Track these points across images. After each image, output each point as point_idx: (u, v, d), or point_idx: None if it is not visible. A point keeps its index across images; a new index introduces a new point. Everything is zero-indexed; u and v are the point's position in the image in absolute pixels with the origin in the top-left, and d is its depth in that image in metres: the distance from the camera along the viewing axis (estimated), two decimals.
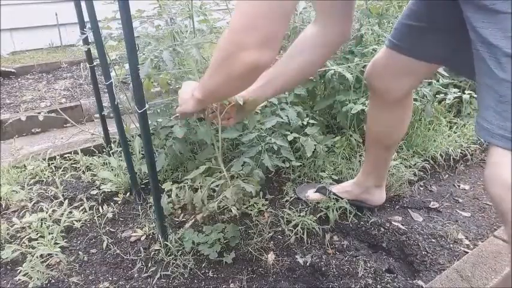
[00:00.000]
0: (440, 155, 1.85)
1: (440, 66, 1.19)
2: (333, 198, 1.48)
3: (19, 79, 3.19)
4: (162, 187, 1.29)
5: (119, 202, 1.59)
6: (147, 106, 1.12)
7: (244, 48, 0.73)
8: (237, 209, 1.47)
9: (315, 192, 1.54)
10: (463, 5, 0.74)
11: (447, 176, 1.84)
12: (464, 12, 0.74)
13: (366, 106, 1.64)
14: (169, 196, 1.23)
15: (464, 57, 0.97)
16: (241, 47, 0.73)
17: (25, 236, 1.35)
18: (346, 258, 1.30)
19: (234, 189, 1.17)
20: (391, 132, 1.30)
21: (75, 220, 1.45)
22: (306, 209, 1.49)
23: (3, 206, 1.56)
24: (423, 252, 1.32)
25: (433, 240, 1.38)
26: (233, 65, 0.77)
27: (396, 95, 1.18)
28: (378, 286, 1.19)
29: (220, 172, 1.22)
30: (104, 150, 1.89)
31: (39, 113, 2.00)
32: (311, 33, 1.04)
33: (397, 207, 1.58)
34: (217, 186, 1.20)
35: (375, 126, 1.31)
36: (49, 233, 1.35)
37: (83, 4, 1.37)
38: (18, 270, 1.23)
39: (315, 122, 1.70)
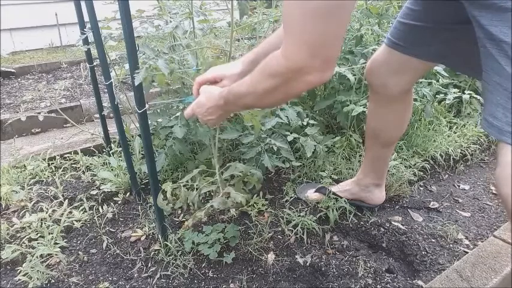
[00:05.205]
0: (440, 155, 1.85)
1: (438, 63, 1.19)
2: (333, 198, 1.48)
3: (19, 79, 3.19)
4: (162, 187, 1.29)
5: (119, 202, 1.59)
6: (147, 106, 1.12)
7: (307, 73, 0.73)
8: (235, 209, 1.46)
9: (315, 192, 1.54)
10: (468, 5, 0.74)
11: (447, 176, 1.84)
12: (470, 12, 0.73)
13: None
14: (164, 197, 1.22)
15: (463, 55, 0.97)
16: (304, 72, 0.73)
17: (25, 236, 1.35)
18: (346, 258, 1.30)
19: (222, 198, 1.14)
20: (388, 129, 1.30)
21: (75, 220, 1.46)
22: (306, 209, 1.49)
23: (3, 206, 1.56)
24: (423, 252, 1.32)
25: (433, 240, 1.38)
26: (295, 87, 0.76)
27: (394, 92, 1.19)
28: (378, 286, 1.19)
29: (213, 176, 1.21)
30: (104, 150, 1.89)
31: (39, 113, 2.00)
32: None
33: (397, 207, 1.58)
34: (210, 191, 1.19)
35: (373, 122, 1.32)
36: (49, 233, 1.35)
37: (83, 4, 1.37)
38: (18, 270, 1.23)
39: (315, 122, 1.70)
